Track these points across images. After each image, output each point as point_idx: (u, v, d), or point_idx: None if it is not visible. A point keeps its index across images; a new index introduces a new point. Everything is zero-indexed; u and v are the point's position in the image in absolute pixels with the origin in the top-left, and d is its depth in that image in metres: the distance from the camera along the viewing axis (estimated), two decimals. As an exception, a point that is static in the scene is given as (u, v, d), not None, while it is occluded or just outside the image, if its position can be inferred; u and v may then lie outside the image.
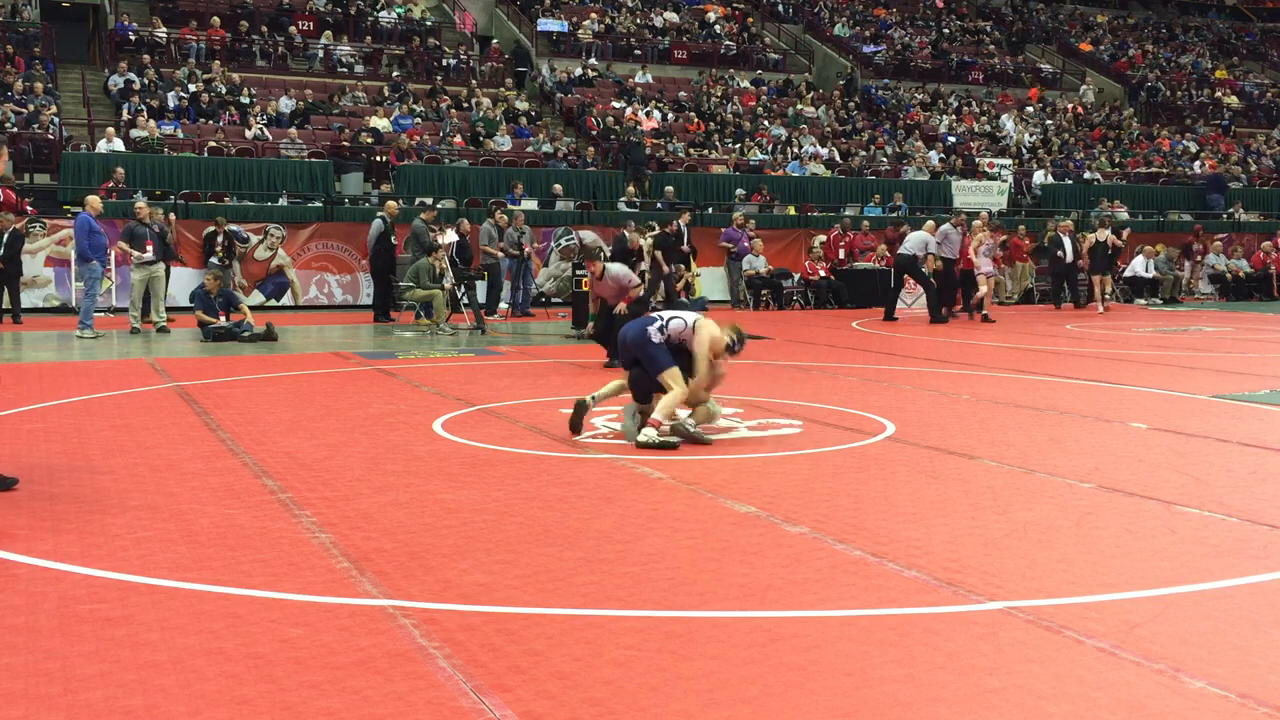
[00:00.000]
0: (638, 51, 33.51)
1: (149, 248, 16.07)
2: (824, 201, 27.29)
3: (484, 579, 4.64)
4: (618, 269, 12.10)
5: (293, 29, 29.13)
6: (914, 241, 19.21)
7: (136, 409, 9.09)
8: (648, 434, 7.55)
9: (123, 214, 19.05)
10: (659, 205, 24.47)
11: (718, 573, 4.75)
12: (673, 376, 7.66)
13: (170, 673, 3.63)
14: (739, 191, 26.08)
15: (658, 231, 19.26)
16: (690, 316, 7.96)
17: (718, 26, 35.77)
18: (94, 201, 16.12)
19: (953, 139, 32.21)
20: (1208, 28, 47.21)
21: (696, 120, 30.04)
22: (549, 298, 22.62)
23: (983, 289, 19.36)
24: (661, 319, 7.93)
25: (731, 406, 8.98)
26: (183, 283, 19.20)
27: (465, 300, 17.83)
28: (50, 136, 22.30)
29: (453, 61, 30.20)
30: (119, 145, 22.23)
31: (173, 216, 19.21)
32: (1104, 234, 22.17)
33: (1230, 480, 6.63)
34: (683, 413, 7.98)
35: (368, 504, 5.94)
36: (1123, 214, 28.93)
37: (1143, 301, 24.03)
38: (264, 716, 3.33)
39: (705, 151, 28.36)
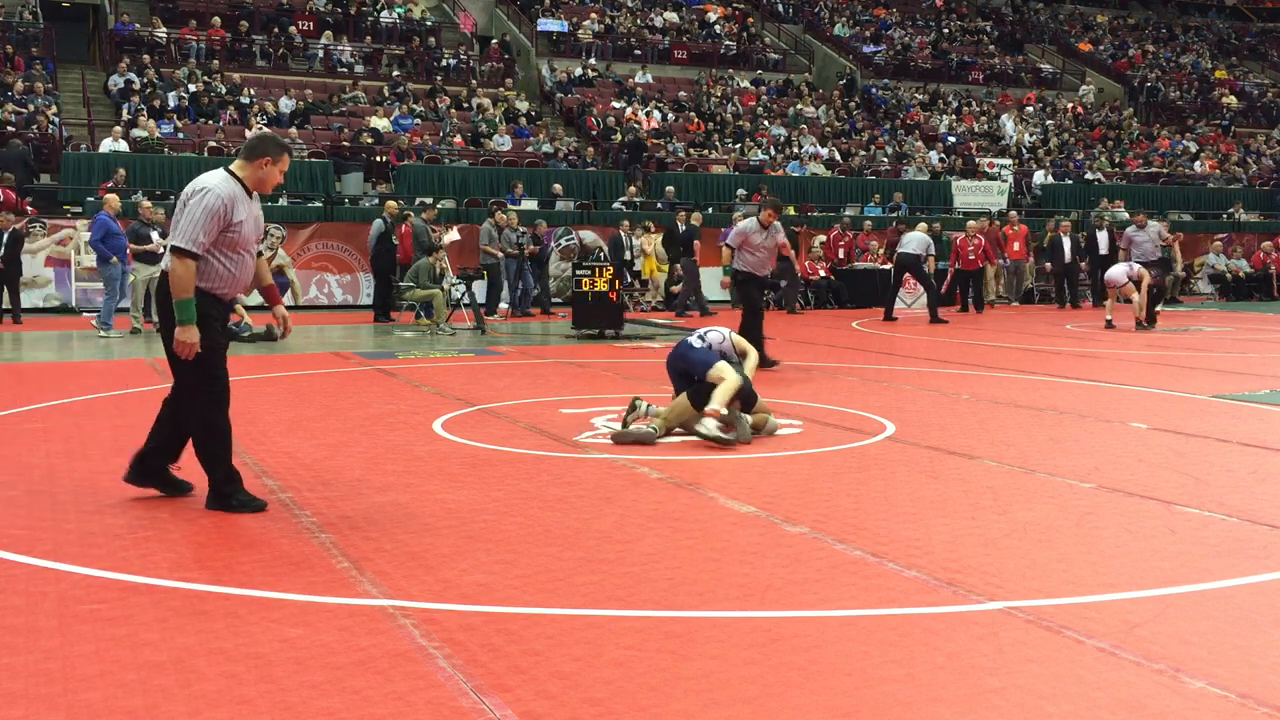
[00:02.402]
0: (638, 51, 33.51)
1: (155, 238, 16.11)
2: (824, 201, 27.29)
3: (484, 579, 4.63)
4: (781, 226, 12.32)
5: (293, 29, 29.13)
6: (916, 242, 19.21)
7: (136, 409, 9.09)
8: (707, 425, 7.58)
9: (122, 214, 19.04)
10: (659, 205, 24.47)
11: (718, 573, 4.75)
12: (721, 369, 7.88)
13: (170, 673, 3.63)
14: (739, 191, 26.08)
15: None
16: (725, 330, 8.45)
17: (718, 26, 35.77)
18: (113, 200, 16.08)
19: (953, 139, 32.22)
20: (1208, 28, 47.20)
21: (696, 120, 30.04)
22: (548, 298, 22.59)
23: (1135, 295, 17.95)
24: (699, 331, 8.42)
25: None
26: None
27: (465, 300, 17.84)
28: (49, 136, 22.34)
29: (453, 61, 30.21)
30: (123, 146, 22.23)
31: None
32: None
33: (1230, 480, 6.63)
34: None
35: (368, 504, 5.94)
36: (1123, 214, 28.94)
37: (1133, 300, 24.03)
38: (264, 716, 3.32)
39: (705, 151, 28.37)
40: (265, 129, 24.10)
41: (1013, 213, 25.10)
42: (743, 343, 8.47)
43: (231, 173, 5.80)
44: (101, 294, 16.33)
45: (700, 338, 8.29)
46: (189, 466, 5.97)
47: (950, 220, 25.59)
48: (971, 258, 21.38)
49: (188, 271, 5.56)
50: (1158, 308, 18.28)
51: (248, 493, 5.81)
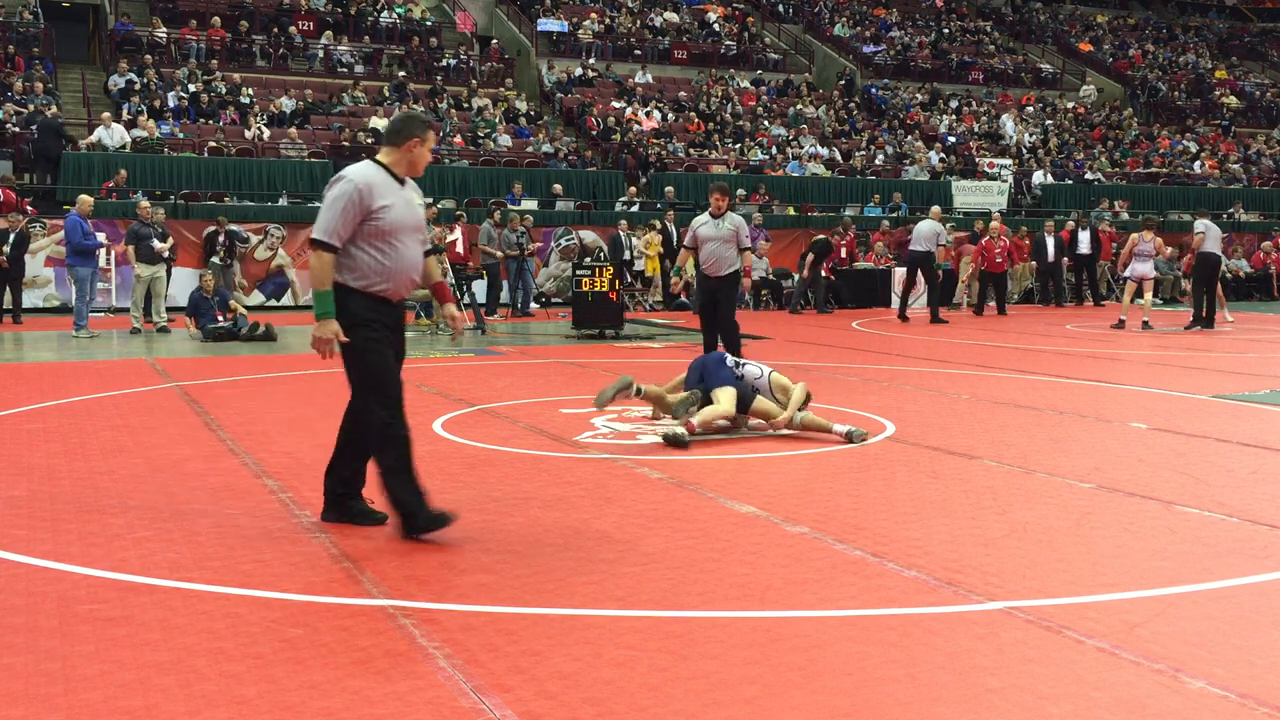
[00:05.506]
0: (638, 51, 33.51)
1: (158, 246, 16.11)
2: (824, 201, 27.28)
3: (484, 579, 4.63)
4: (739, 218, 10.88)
5: (293, 29, 29.13)
6: (925, 235, 18.92)
7: (136, 409, 9.09)
8: (672, 427, 7.61)
9: (122, 214, 19.06)
10: (659, 205, 24.47)
11: (718, 573, 4.75)
12: (725, 395, 7.83)
13: (170, 673, 3.63)
14: (739, 191, 26.06)
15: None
16: (767, 369, 8.25)
17: (718, 26, 35.77)
18: (85, 202, 15.98)
19: (953, 139, 32.21)
20: (1208, 28, 47.19)
21: (696, 120, 30.03)
22: (549, 298, 22.61)
23: (1147, 294, 17.65)
24: (738, 360, 8.30)
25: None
26: (182, 283, 19.21)
27: (466, 300, 17.84)
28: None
29: (453, 61, 30.21)
30: (120, 132, 22.24)
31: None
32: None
33: (1230, 480, 6.63)
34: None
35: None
36: (1123, 214, 28.95)
37: (1142, 301, 24.03)
38: (264, 716, 3.32)
39: (705, 151, 28.36)
40: (264, 128, 24.10)
41: (994, 223, 24.96)
42: (783, 382, 8.15)
43: (377, 161, 5.46)
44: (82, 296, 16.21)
45: (736, 364, 8.18)
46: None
47: (951, 219, 25.45)
48: (999, 260, 21.23)
49: (322, 263, 5.19)
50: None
51: (434, 507, 5.25)
